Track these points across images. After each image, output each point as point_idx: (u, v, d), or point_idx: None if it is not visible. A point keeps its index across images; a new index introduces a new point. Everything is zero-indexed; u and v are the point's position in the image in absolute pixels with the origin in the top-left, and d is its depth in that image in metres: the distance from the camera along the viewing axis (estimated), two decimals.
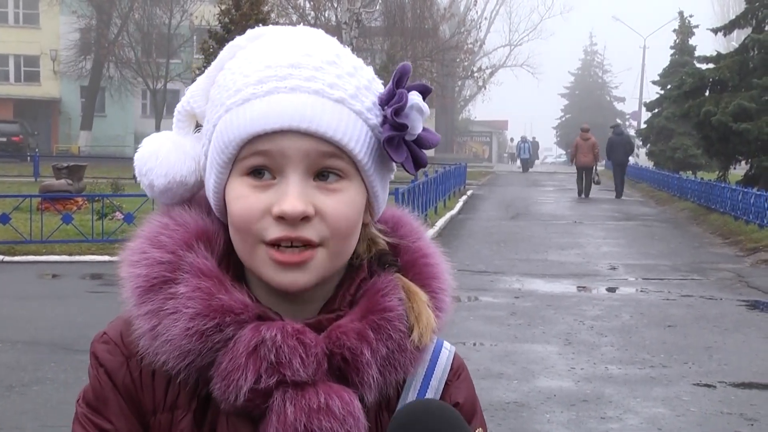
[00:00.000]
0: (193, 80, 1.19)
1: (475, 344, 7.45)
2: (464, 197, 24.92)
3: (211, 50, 19.15)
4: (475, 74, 45.57)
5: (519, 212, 21.10)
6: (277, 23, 23.80)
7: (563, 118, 78.99)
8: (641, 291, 10.50)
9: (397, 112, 1.10)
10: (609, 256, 13.47)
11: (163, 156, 1.17)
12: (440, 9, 41.88)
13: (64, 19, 45.22)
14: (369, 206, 1.16)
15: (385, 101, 1.12)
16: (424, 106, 1.12)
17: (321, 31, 1.17)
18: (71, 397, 1.25)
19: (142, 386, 1.14)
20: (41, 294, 9.61)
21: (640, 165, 39.24)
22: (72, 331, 7.47)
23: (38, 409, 5.47)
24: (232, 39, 1.18)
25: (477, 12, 52.07)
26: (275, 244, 1.07)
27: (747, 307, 9.51)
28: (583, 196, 26.22)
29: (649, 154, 37.74)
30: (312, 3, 36.36)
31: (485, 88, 48.56)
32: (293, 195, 1.06)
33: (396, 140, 1.11)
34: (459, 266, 11.92)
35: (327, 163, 1.08)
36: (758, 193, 16.32)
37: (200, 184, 1.18)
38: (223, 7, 20.34)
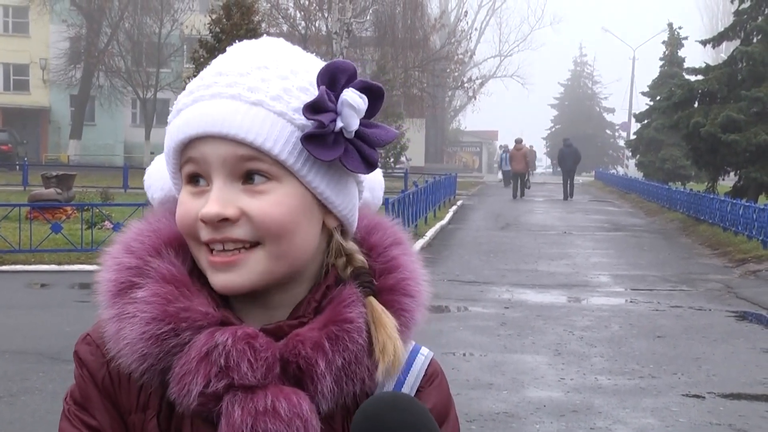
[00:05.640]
0: (183, 90, 1.20)
1: (464, 354, 7.45)
2: (454, 207, 24.96)
3: (202, 60, 19.11)
4: (465, 85, 45.64)
5: (509, 222, 21.13)
6: (267, 33, 23.81)
7: (553, 129, 79.18)
8: (630, 302, 10.51)
9: (313, 108, 1.08)
10: (598, 267, 13.49)
11: (163, 171, 1.22)
12: (431, 19, 41.97)
13: (53, 27, 45.13)
14: (325, 210, 1.14)
15: None
16: (357, 101, 1.09)
17: (280, 40, 1.18)
18: (59, 407, 1.26)
19: (120, 387, 1.17)
20: (30, 303, 9.57)
21: (630, 176, 39.33)
22: (60, 340, 7.43)
23: (26, 418, 5.45)
24: (223, 48, 1.19)
25: (467, 22, 52.37)
26: (209, 247, 1.10)
27: (736, 318, 9.53)
28: (518, 197, 30.65)
29: (639, 165, 37.90)
30: (302, 13, 36.37)
31: (475, 99, 48.63)
32: (212, 199, 1.08)
33: (329, 138, 1.09)
34: (449, 276, 11.92)
35: (248, 166, 1.09)
36: (747, 204, 16.38)
37: None
38: (213, 17, 20.33)
